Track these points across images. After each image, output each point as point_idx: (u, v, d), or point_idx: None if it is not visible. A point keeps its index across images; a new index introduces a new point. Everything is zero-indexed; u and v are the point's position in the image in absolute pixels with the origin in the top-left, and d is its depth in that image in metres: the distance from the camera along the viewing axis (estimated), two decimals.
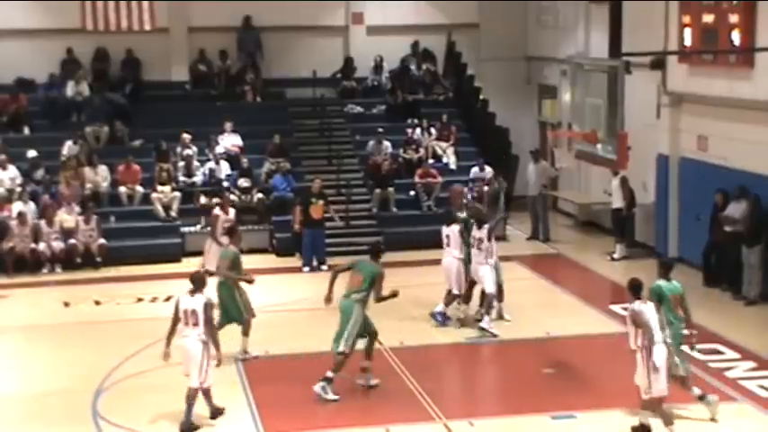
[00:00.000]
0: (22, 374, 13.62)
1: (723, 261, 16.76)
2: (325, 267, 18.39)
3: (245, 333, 13.63)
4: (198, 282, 11.48)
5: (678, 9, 17.57)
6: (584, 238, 21.46)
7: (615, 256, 19.25)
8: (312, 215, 18.97)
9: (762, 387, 12.44)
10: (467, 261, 14.97)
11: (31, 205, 19.46)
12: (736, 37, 15.99)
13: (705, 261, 17.23)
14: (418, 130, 22.54)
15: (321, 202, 19.07)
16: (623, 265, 18.96)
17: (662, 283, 11.36)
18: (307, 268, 18.90)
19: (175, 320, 11.42)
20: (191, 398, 11.30)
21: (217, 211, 18.43)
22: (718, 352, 13.80)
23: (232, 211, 18.52)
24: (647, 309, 10.97)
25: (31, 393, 12.82)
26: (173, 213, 20.45)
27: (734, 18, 16.02)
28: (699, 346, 13.80)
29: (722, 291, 16.72)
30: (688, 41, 17.15)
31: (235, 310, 13.54)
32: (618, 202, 19.28)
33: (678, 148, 18.64)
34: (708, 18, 16.66)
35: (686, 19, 17.23)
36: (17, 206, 19.30)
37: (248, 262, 19.32)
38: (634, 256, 19.27)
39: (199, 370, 11.20)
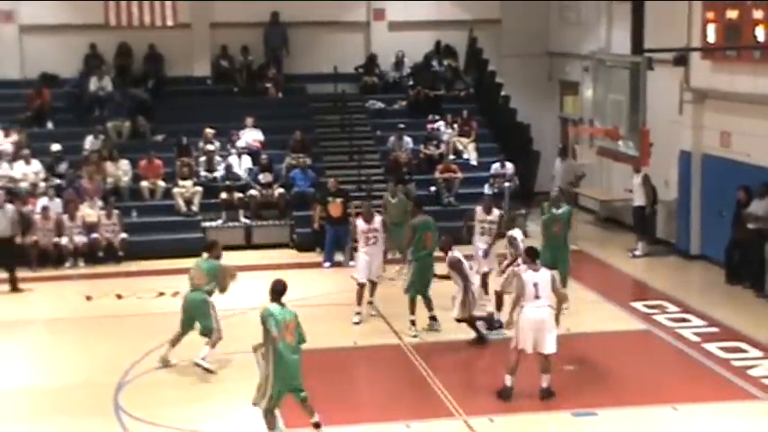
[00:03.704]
0: (45, 367, 13.72)
1: (746, 258, 16.65)
2: (352, 263, 18.39)
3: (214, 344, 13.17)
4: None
5: (701, 5, 17.46)
6: (605, 234, 21.38)
7: (637, 252, 19.17)
8: (331, 213, 19.00)
9: None
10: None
11: (57, 200, 19.59)
12: (760, 33, 15.86)
13: (728, 258, 17.14)
14: (439, 126, 22.53)
15: (339, 200, 19.09)
16: (645, 262, 18.89)
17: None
18: (327, 263, 18.92)
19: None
20: None
21: (358, 221, 15.98)
22: (741, 350, 13.71)
23: (377, 220, 15.81)
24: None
25: (53, 386, 12.91)
26: (194, 208, 20.53)
27: (758, 14, 15.90)
28: (721, 344, 13.86)
29: (745, 288, 16.62)
30: (711, 37, 17.05)
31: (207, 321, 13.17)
32: (640, 199, 19.19)
33: (701, 144, 18.54)
34: (731, 14, 16.55)
35: (710, 15, 17.12)
36: (42, 201, 19.43)
37: (268, 257, 19.63)
38: (656, 254, 19.20)
39: None
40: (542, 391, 11.86)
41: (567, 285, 15.18)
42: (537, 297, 11.67)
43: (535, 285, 11.71)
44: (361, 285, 15.22)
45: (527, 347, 11.71)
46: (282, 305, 10.54)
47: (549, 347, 11.72)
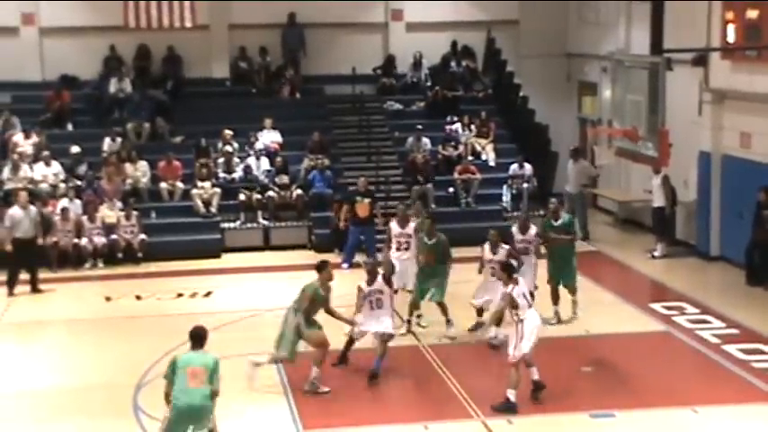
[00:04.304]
0: (64, 368, 13.79)
1: (766, 259, 16.56)
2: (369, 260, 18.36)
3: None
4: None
5: (721, 5, 17.37)
6: (624, 235, 21.31)
7: (656, 254, 19.09)
8: (358, 213, 19.00)
9: None
10: None
11: (76, 202, 19.69)
12: None
13: (748, 259, 17.04)
14: (457, 127, 22.51)
15: (367, 200, 19.10)
16: (664, 263, 18.81)
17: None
18: (346, 265, 18.91)
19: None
20: None
21: (392, 224, 15.62)
22: (762, 352, 13.63)
23: (411, 225, 15.45)
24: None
25: (73, 386, 12.98)
26: (213, 209, 20.59)
27: None
28: (741, 346, 13.78)
29: (765, 290, 16.54)
30: (731, 38, 16.94)
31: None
32: (659, 200, 19.11)
33: (720, 145, 18.44)
34: (752, 14, 16.46)
35: (729, 15, 17.02)
36: (62, 202, 19.54)
37: (287, 258, 19.67)
38: (675, 255, 19.11)
39: None
40: (535, 383, 11.90)
41: (576, 295, 15.09)
42: (530, 306, 11.92)
43: (524, 295, 11.83)
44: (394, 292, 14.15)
45: (529, 352, 11.71)
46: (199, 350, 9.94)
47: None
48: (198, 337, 9.98)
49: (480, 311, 14.46)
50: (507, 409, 11.61)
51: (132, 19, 22.54)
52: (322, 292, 12.54)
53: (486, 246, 14.34)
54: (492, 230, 14.38)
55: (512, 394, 11.66)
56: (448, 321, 14.53)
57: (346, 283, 17.55)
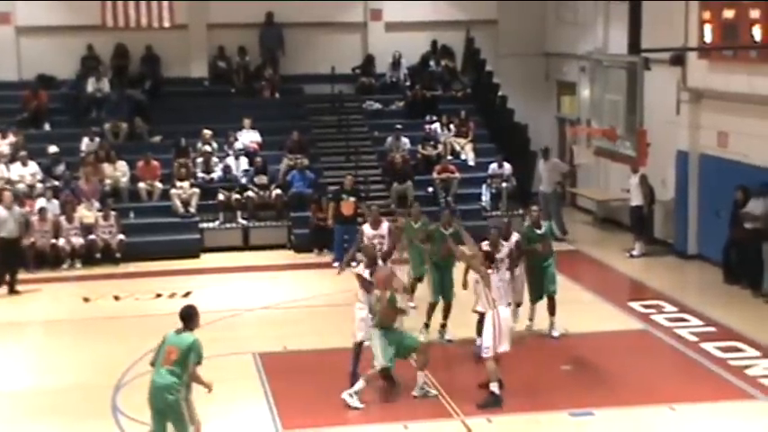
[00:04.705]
0: (42, 369, 13.70)
1: (743, 258, 16.66)
2: (354, 264, 18.32)
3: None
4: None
5: (698, 5, 17.47)
6: (602, 234, 21.40)
7: (634, 253, 19.18)
8: (343, 212, 18.99)
9: None
10: None
11: (54, 202, 19.57)
12: (756, 32, 15.87)
13: (725, 258, 17.15)
14: (436, 127, 22.54)
15: (353, 198, 19.09)
16: (642, 262, 18.90)
17: None
18: (337, 263, 18.86)
19: None
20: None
21: (365, 226, 15.24)
22: (738, 349, 13.72)
23: (384, 226, 15.00)
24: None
25: (50, 388, 12.90)
26: (191, 209, 20.53)
27: (755, 13, 15.90)
28: (718, 344, 13.87)
29: (742, 288, 16.63)
30: (708, 37, 17.05)
31: None
32: (637, 199, 19.20)
33: (698, 144, 18.55)
34: (728, 13, 16.56)
35: (706, 15, 17.13)
36: (40, 202, 19.42)
37: (266, 258, 19.63)
38: (653, 253, 19.21)
39: None
40: (483, 385, 11.92)
41: (555, 313, 14.33)
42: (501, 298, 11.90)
43: (499, 289, 11.85)
44: None
45: (507, 347, 11.75)
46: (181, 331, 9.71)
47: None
48: (183, 318, 9.83)
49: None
50: (493, 403, 11.65)
51: (110, 18, 22.45)
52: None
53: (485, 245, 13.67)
54: (493, 229, 13.56)
55: (495, 387, 11.70)
56: (443, 326, 14.18)
57: (326, 283, 17.64)
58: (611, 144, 13.65)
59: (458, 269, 14.02)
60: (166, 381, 9.61)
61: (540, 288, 14.29)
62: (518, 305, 14.22)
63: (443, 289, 14.22)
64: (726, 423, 11.39)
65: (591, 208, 22.76)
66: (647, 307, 15.86)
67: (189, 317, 9.84)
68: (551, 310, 14.32)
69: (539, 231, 14.34)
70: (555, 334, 14.29)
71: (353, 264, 13.68)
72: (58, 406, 12.25)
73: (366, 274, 12.54)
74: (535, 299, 14.41)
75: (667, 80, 18.32)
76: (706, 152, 18.37)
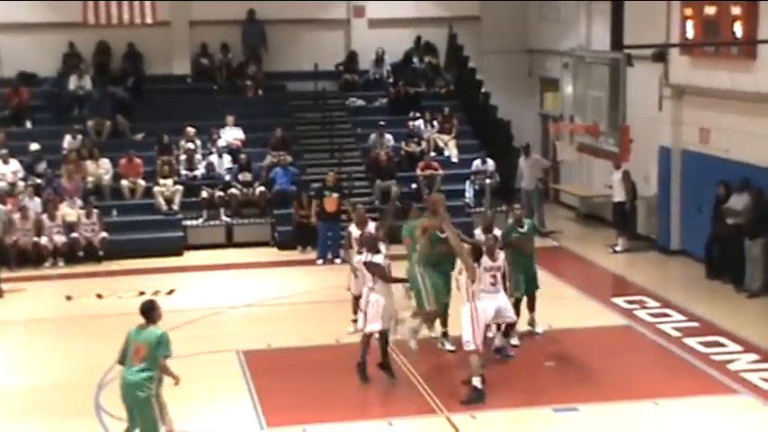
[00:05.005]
0: (24, 368, 13.64)
1: (725, 253, 16.74)
2: (338, 261, 18.36)
3: None
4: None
5: (680, 1, 17.54)
6: (585, 230, 21.45)
7: (617, 248, 19.25)
8: (326, 208, 18.96)
9: (764, 380, 12.42)
10: None
11: (36, 200, 19.48)
12: (738, 29, 15.95)
13: (707, 253, 17.22)
14: (420, 123, 22.54)
15: (335, 195, 19.07)
16: (625, 257, 18.97)
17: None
18: (321, 261, 18.86)
19: None
20: None
21: (351, 227, 14.76)
22: (721, 344, 13.79)
23: (371, 225, 14.62)
24: None
25: (33, 386, 12.84)
26: (175, 207, 20.47)
27: (736, 10, 15.98)
28: (701, 339, 13.94)
29: (724, 283, 16.70)
30: (690, 34, 17.12)
31: None
32: (619, 195, 19.27)
33: (680, 140, 18.62)
34: (710, 10, 16.63)
35: (688, 11, 17.20)
36: (22, 200, 19.31)
37: (249, 255, 19.60)
38: (636, 249, 19.28)
39: None
40: (466, 382, 11.92)
41: (534, 309, 14.15)
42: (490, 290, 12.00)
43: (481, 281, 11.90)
44: (356, 297, 13.81)
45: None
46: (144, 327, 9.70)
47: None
48: (143, 313, 9.78)
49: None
50: (476, 398, 11.67)
51: (92, 15, 22.31)
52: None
53: (478, 230, 13.72)
54: (489, 235, 13.19)
55: (477, 382, 11.72)
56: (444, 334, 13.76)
57: (309, 280, 17.64)
58: (594, 140, 13.67)
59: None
60: (137, 378, 9.60)
61: (523, 286, 13.93)
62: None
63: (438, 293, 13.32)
64: (708, 418, 11.45)
65: (574, 204, 22.82)
66: (630, 302, 15.92)
67: (149, 311, 9.81)
68: (531, 306, 14.21)
69: (521, 230, 14.05)
70: (539, 330, 14.28)
71: (359, 257, 13.29)
72: (40, 404, 12.20)
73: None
74: (518, 296, 13.96)
75: (650, 76, 18.38)
76: (688, 148, 18.45)
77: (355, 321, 13.74)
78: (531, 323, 14.28)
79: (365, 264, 12.55)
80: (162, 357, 9.64)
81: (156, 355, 9.59)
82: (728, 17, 16.12)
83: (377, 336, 12.35)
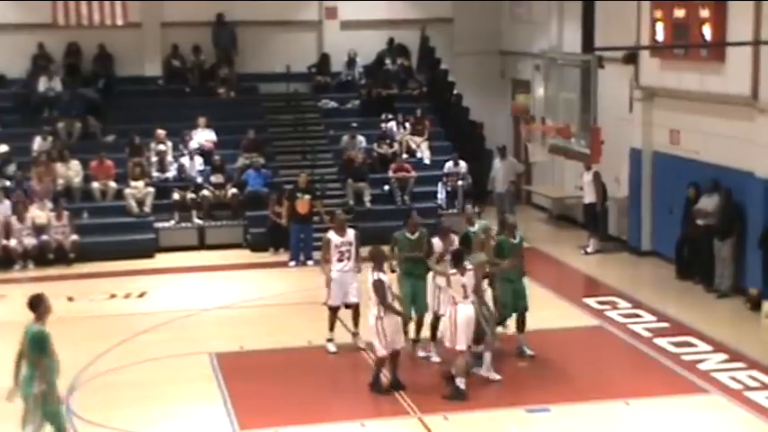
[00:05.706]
0: None
1: (695, 254, 16.88)
2: (311, 263, 18.33)
3: None
4: None
5: (650, 4, 17.66)
6: (557, 232, 21.55)
7: (588, 249, 19.34)
8: (298, 210, 18.93)
9: (733, 379, 12.54)
10: None
11: (6, 202, 19.31)
12: (707, 31, 16.09)
13: (678, 254, 17.35)
14: (392, 125, 22.56)
15: (307, 197, 19.04)
16: (597, 258, 19.07)
17: None
18: (293, 263, 18.82)
19: None
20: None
21: (330, 234, 13.86)
22: (690, 344, 13.90)
23: (350, 233, 13.84)
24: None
25: (1, 391, 12.69)
26: (146, 209, 20.36)
27: (705, 13, 16.12)
28: (672, 339, 14.05)
29: (694, 283, 16.84)
30: (660, 36, 17.25)
31: None
32: (590, 196, 19.37)
33: (651, 142, 18.75)
34: (679, 13, 16.76)
35: (658, 14, 17.32)
36: None
37: (222, 257, 19.53)
38: (607, 250, 19.38)
39: None
40: (447, 377, 12.11)
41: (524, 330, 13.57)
42: (466, 297, 11.91)
43: (464, 287, 11.90)
44: (334, 309, 13.60)
45: (463, 345, 11.86)
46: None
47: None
48: (29, 307, 9.52)
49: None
50: (457, 396, 11.77)
51: (61, 16, 22.16)
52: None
53: (436, 239, 13.25)
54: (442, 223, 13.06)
55: (461, 382, 11.78)
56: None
57: (282, 282, 17.59)
58: (566, 142, 13.73)
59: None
60: (24, 373, 9.38)
61: (511, 304, 13.35)
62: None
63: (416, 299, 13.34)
64: (679, 417, 11.54)
65: (546, 205, 22.92)
66: (601, 303, 16.01)
67: (34, 305, 9.54)
68: (521, 327, 13.47)
69: (513, 241, 13.32)
70: (529, 353, 13.39)
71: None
72: (9, 409, 12.05)
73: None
74: (504, 317, 13.33)
75: (620, 78, 18.51)
76: (659, 149, 18.58)
77: (330, 340, 13.66)
78: (522, 343, 13.42)
79: (373, 283, 12.05)
80: (35, 358, 9.28)
81: (29, 352, 9.27)
82: (697, 19, 16.26)
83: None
